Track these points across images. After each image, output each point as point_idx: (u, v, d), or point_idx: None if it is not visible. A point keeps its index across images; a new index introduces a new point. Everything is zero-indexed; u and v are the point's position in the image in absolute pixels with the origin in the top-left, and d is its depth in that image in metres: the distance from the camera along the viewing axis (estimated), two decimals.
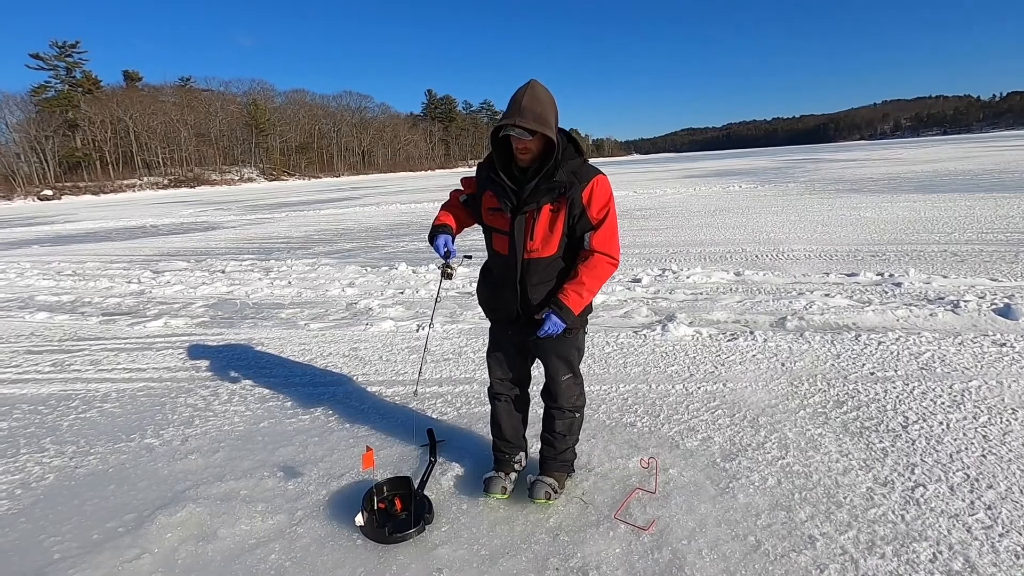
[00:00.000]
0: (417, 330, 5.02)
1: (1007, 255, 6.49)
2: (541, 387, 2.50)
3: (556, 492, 2.40)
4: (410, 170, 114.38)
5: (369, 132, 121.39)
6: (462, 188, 2.44)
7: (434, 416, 3.33)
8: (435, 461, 2.75)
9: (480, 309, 2.50)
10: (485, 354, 2.57)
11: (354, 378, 4.02)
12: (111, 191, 64.31)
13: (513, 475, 2.53)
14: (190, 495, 2.63)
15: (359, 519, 2.27)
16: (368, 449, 2.34)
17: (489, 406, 2.58)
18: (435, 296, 2.58)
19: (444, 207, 2.45)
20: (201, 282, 7.99)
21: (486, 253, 2.38)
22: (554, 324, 2.11)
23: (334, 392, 3.78)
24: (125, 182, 69.76)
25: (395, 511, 2.35)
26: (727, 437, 2.84)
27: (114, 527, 2.42)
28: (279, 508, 2.49)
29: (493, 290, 2.33)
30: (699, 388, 3.43)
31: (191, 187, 70.56)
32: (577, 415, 2.45)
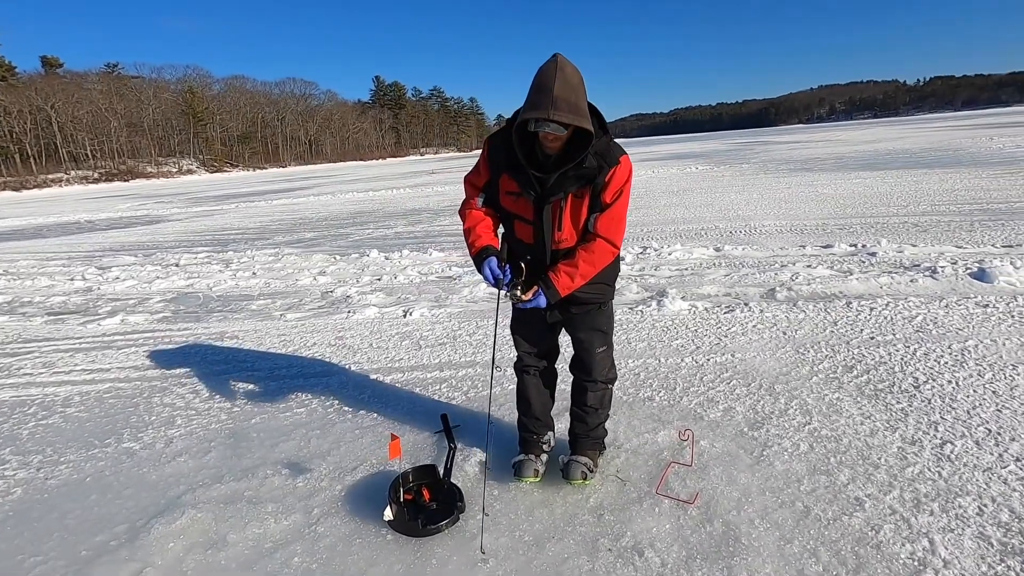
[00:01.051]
0: (404, 316, 4.80)
1: (964, 224, 6.82)
2: (569, 361, 2.38)
3: (592, 471, 2.30)
4: (360, 159, 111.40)
5: (316, 120, 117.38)
6: (473, 185, 2.16)
7: (442, 400, 3.17)
8: (455, 447, 2.59)
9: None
10: (509, 330, 2.42)
11: (346, 367, 3.79)
12: (34, 186, 59.56)
13: (544, 456, 2.41)
14: (187, 500, 2.39)
15: (387, 513, 2.10)
16: (393, 437, 2.17)
17: (513, 384, 2.44)
18: (494, 323, 2.25)
19: (472, 220, 2.10)
20: (155, 276, 7.45)
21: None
22: (535, 302, 1.97)
23: (327, 382, 3.55)
24: (50, 176, 64.82)
25: (423, 501, 2.19)
26: (748, 406, 2.81)
27: (105, 540, 2.16)
28: (292, 507, 2.28)
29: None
30: (708, 360, 3.40)
31: (124, 180, 66.44)
32: (610, 387, 2.35)
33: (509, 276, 1.97)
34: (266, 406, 3.27)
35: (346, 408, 3.16)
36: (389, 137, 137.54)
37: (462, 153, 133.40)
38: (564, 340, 2.42)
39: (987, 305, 3.89)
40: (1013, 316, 3.67)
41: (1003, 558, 1.75)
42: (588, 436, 2.36)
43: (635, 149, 47.84)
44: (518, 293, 1.97)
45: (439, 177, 29.18)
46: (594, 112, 1.92)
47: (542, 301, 1.98)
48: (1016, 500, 2.00)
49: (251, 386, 3.57)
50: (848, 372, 3.09)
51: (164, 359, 4.21)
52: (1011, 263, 4.72)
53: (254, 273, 7.24)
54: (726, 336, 3.75)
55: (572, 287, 1.99)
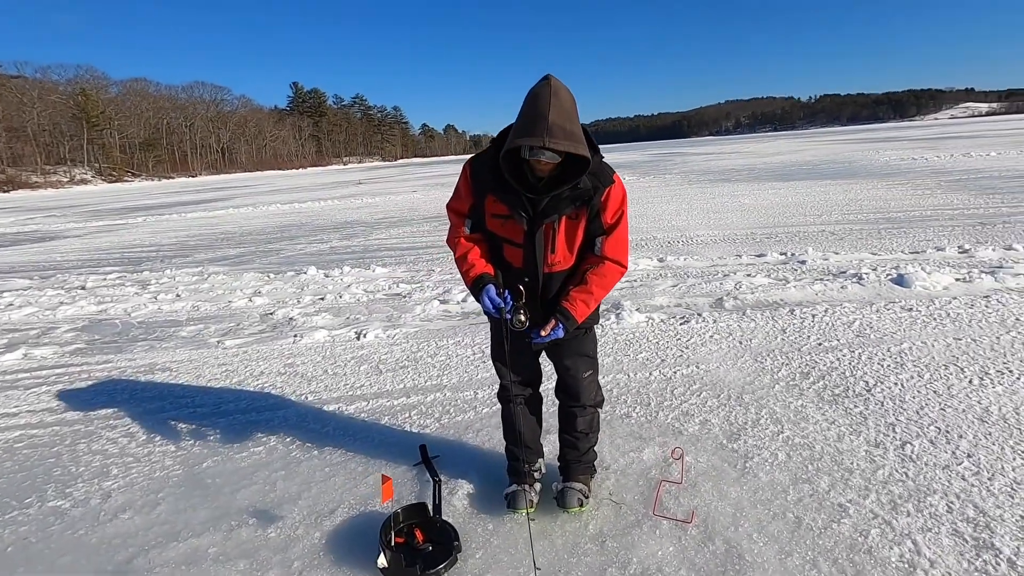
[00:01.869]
0: (357, 338, 4.58)
1: (873, 232, 7.49)
2: (554, 387, 2.33)
3: (587, 497, 2.26)
4: (279, 168, 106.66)
5: (229, 127, 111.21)
6: (457, 212, 2.06)
7: (413, 430, 3.03)
8: (440, 480, 2.47)
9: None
10: (492, 360, 2.34)
11: (302, 398, 3.54)
12: None
13: (537, 485, 2.34)
14: (140, 565, 2.11)
15: (381, 560, 1.95)
16: (385, 479, 2.03)
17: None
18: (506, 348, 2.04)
19: (463, 249, 2.02)
20: (59, 302, 6.69)
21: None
22: (555, 334, 1.95)
23: (283, 416, 3.30)
24: None
25: (417, 543, 2.06)
26: (722, 418, 2.89)
27: None
28: (268, 562, 2.08)
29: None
30: (675, 372, 3.48)
31: (5, 191, 59.56)
32: (598, 411, 2.33)
33: (510, 302, 1.90)
34: (217, 447, 2.98)
35: (309, 444, 2.94)
36: (310, 145, 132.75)
37: (387, 163, 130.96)
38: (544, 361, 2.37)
39: (911, 309, 4.26)
40: (935, 319, 4.04)
41: (978, 553, 1.88)
42: (580, 461, 2.32)
43: None
44: (521, 318, 1.90)
45: (368, 188, 28.44)
46: (585, 133, 1.88)
47: (560, 332, 1.94)
48: (976, 495, 2.17)
49: (196, 425, 3.25)
50: (805, 379, 3.27)
51: (85, 398, 3.76)
52: (922, 269, 5.22)
53: (178, 295, 6.67)
54: (687, 348, 3.86)
55: (588, 312, 1.97)
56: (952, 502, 2.14)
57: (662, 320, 4.44)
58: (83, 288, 7.55)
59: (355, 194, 23.86)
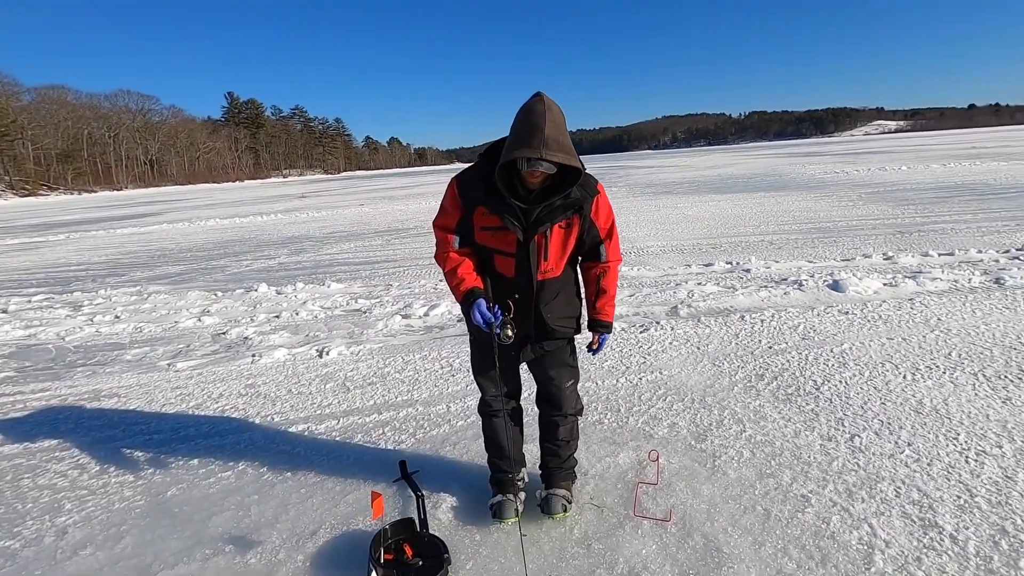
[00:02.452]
0: (320, 356, 4.48)
1: (807, 241, 8.03)
2: (535, 397, 2.40)
3: (570, 502, 2.33)
4: (214, 181, 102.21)
5: (158, 138, 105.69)
6: (444, 228, 2.10)
7: (389, 447, 3.01)
8: (423, 495, 2.48)
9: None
10: (472, 373, 2.38)
11: (267, 419, 3.44)
12: None
13: (522, 495, 2.39)
14: None
15: None
16: (375, 495, 2.02)
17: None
18: (496, 366, 2.13)
19: (452, 263, 2.06)
20: None
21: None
22: (603, 343, 2.31)
23: (250, 439, 3.20)
24: None
25: (407, 559, 2.07)
26: (689, 420, 3.04)
27: None
28: None
29: None
30: (641, 379, 3.62)
31: None
32: (578, 419, 2.42)
33: (500, 317, 1.96)
34: (181, 474, 2.85)
35: (281, 466, 2.87)
36: (247, 157, 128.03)
37: (329, 176, 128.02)
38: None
39: (847, 312, 4.62)
40: (869, 321, 4.39)
41: (925, 531, 2.08)
42: (562, 468, 2.39)
43: None
44: (508, 332, 1.96)
45: (312, 201, 27.75)
46: None
47: (607, 339, 2.30)
48: (918, 479, 2.39)
49: (154, 452, 3.10)
50: (760, 380, 3.48)
51: (23, 430, 3.50)
52: (853, 275, 5.66)
53: (117, 317, 6.30)
54: (649, 354, 4.02)
55: (614, 312, 2.32)
56: (899, 487, 2.35)
57: (623, 329, 4.61)
58: (4, 312, 7.00)
59: (299, 207, 23.23)
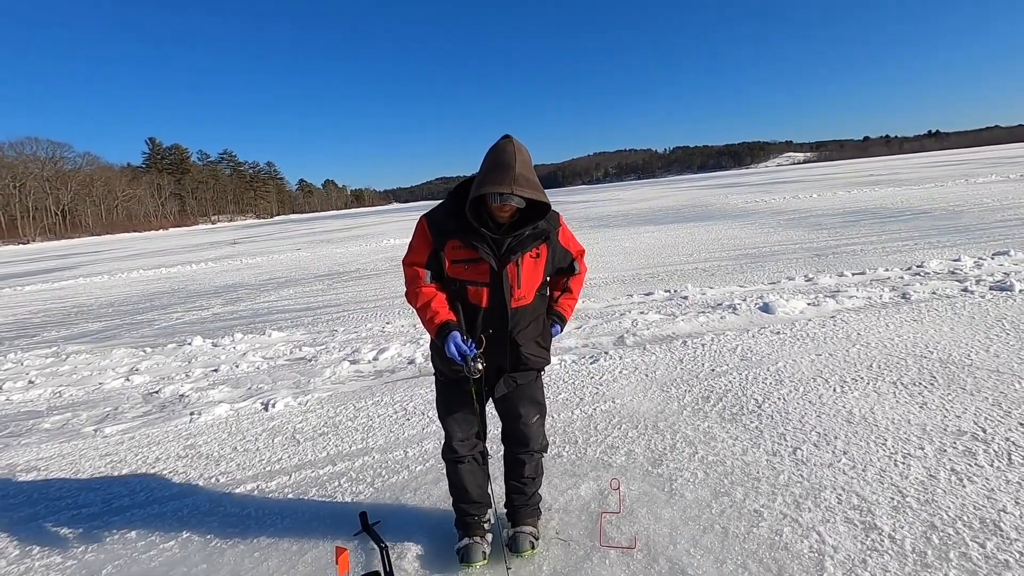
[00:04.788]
0: (265, 409, 4.30)
1: (737, 267, 8.54)
2: (501, 434, 2.41)
3: (537, 539, 2.34)
4: (135, 230, 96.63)
5: (71, 187, 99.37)
6: (415, 264, 2.14)
7: (346, 499, 2.91)
8: (386, 546, 2.41)
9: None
10: (438, 416, 2.37)
11: (212, 481, 3.25)
12: None
13: (488, 536, 2.37)
14: None
15: None
16: (340, 550, 1.96)
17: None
18: (476, 408, 2.23)
19: (425, 297, 2.08)
20: None
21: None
22: (557, 332, 2.35)
23: (194, 503, 3.00)
24: None
25: None
26: (644, 446, 3.13)
27: None
28: None
29: None
30: (595, 409, 3.70)
31: None
32: (544, 455, 2.45)
33: (474, 351, 1.99)
34: (117, 549, 2.63)
35: (230, 530, 2.71)
36: (171, 204, 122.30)
37: (262, 220, 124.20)
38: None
39: (779, 332, 4.94)
40: (799, 339, 4.71)
41: (867, 534, 2.23)
42: (527, 505, 2.40)
43: None
44: (479, 367, 1.98)
45: (245, 247, 26.77)
46: None
47: (558, 329, 2.34)
48: (855, 485, 2.57)
49: (84, 528, 2.85)
50: (707, 402, 3.65)
51: None
52: (781, 296, 6.07)
53: (31, 381, 5.79)
54: (601, 384, 4.12)
55: (571, 312, 2.40)
56: (840, 494, 2.51)
57: (574, 361, 4.70)
58: None
59: (231, 255, 22.33)
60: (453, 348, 1.98)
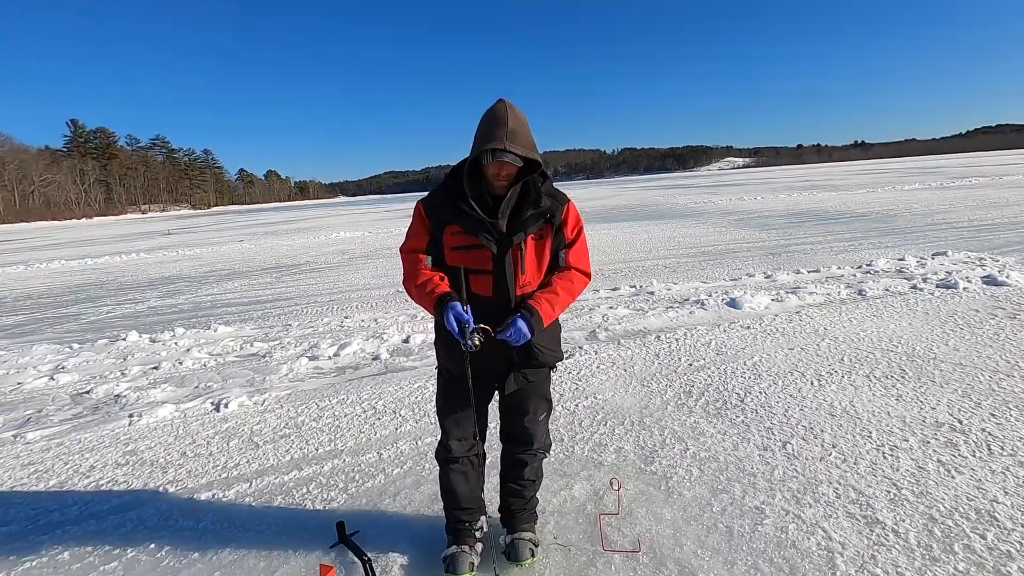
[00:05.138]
0: (217, 410, 3.92)
1: (696, 264, 8.67)
2: (501, 432, 2.23)
3: (536, 546, 2.18)
4: (53, 219, 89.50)
5: None
6: (414, 251, 1.97)
7: (317, 507, 2.65)
8: (368, 558, 2.18)
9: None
10: (437, 415, 2.16)
11: (159, 490, 2.90)
12: None
13: (479, 545, 2.17)
14: None
15: None
16: (326, 569, 1.72)
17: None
18: (470, 389, 1.94)
19: (424, 276, 1.91)
20: None
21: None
22: (519, 331, 1.83)
23: (139, 517, 2.66)
24: None
25: None
26: (633, 443, 3.03)
27: None
28: None
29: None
30: (577, 405, 3.57)
31: None
32: (546, 455, 2.28)
33: (473, 324, 1.79)
34: (46, 572, 2.28)
35: (184, 546, 2.40)
36: (96, 192, 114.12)
37: (197, 211, 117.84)
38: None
39: (749, 327, 4.98)
40: (770, 334, 4.76)
41: (871, 528, 2.20)
42: (525, 509, 2.24)
43: (394, 206, 48.84)
44: (477, 341, 1.79)
45: (182, 238, 25.21)
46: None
47: (525, 331, 1.83)
48: (850, 478, 2.55)
49: (6, 549, 2.45)
50: (690, 397, 3.59)
51: None
52: (745, 292, 6.16)
53: None
54: (580, 380, 4.00)
55: (553, 315, 1.94)
56: (837, 488, 2.48)
57: None
58: None
59: (166, 245, 20.95)
60: (452, 317, 1.78)
